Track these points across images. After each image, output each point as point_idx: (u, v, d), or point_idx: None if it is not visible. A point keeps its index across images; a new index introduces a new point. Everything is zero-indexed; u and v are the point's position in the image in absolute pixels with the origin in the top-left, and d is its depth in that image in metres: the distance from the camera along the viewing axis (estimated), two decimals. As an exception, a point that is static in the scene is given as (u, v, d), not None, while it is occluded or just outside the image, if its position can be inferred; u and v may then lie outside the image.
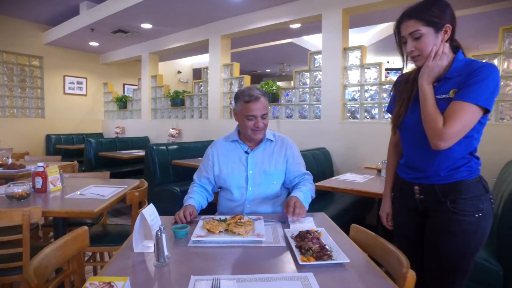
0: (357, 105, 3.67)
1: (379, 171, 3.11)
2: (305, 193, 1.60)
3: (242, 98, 1.63)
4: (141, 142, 5.85)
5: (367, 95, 3.63)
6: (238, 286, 0.87)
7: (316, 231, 1.25)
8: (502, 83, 2.83)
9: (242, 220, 1.32)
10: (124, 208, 4.43)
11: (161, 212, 1.49)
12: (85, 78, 7.11)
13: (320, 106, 3.89)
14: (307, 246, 1.14)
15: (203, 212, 1.65)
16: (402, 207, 1.43)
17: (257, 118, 1.61)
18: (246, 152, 1.72)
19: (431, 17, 1.18)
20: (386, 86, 3.50)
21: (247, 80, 4.72)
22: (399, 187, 1.44)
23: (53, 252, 1.06)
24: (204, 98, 5.31)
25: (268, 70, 11.01)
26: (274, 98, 4.31)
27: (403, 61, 1.35)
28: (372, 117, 3.60)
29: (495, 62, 2.87)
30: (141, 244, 1.16)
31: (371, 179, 2.82)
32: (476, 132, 1.22)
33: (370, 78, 3.59)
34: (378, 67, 3.54)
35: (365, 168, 3.42)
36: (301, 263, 1.01)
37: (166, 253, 1.03)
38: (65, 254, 1.11)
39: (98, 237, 2.06)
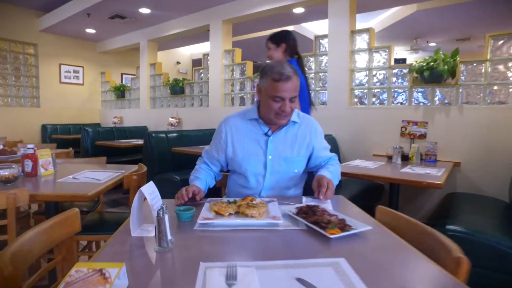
0: (365, 90, 3.51)
1: (389, 157, 2.97)
2: (333, 174, 1.46)
3: (270, 75, 1.36)
4: (140, 132, 5.68)
5: (375, 79, 3.47)
6: (258, 275, 0.72)
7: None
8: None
9: (254, 202, 1.17)
10: (122, 199, 4.28)
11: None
12: (82, 67, 6.91)
13: (326, 92, 3.73)
14: (325, 219, 1.01)
15: (210, 194, 1.50)
16: None
17: (285, 101, 1.36)
18: (266, 134, 1.51)
19: None
20: (395, 71, 3.33)
21: (249, 66, 4.55)
22: None
23: (38, 236, 0.91)
24: (204, 86, 5.13)
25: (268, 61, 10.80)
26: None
27: None
28: (381, 103, 3.44)
29: (482, 69, 2.82)
30: (140, 227, 1.01)
31: (382, 165, 2.68)
32: None
33: (379, 62, 3.42)
34: (387, 51, 3.38)
35: (373, 156, 3.27)
36: (330, 236, 0.91)
37: (169, 237, 0.88)
38: (52, 238, 0.96)
39: (94, 225, 1.91)
